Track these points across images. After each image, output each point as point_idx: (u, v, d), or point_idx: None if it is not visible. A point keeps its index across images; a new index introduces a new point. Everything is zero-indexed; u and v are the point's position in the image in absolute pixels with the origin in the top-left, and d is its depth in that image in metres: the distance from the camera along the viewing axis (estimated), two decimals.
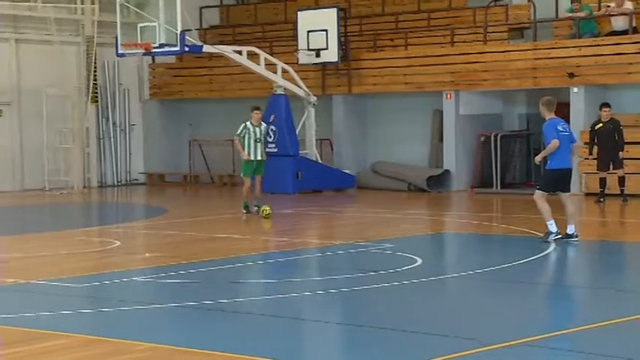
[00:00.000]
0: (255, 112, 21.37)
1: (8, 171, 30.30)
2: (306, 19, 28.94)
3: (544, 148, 16.35)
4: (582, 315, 11.24)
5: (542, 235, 16.16)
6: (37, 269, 15.10)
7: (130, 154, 32.97)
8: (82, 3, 31.46)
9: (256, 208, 21.38)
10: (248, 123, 21.20)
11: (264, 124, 21.52)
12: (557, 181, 15.98)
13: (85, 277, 14.28)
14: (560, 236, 15.87)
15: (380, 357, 9.00)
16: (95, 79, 31.64)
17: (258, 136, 21.02)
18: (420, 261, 14.88)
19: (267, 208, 20.86)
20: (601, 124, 22.80)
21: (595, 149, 22.93)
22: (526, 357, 9.03)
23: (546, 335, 9.71)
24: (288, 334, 10.79)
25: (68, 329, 10.54)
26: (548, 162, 16.06)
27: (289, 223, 21.79)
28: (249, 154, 21.16)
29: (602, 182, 22.98)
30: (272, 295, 12.59)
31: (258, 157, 21.15)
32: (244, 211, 21.79)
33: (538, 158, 16.82)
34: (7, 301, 12.51)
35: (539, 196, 15.85)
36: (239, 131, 21.39)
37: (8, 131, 30.41)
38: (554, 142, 15.61)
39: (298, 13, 29.47)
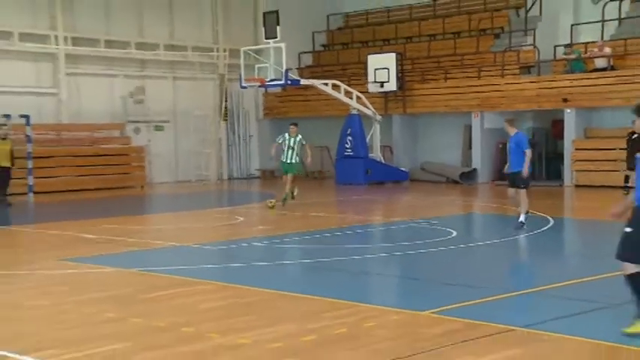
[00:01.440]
0: (292, 126, 20.24)
1: (167, 168, 30.83)
2: (374, 61, 28.99)
3: (509, 157, 15.38)
4: (577, 271, 11.19)
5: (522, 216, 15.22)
6: (187, 236, 15.42)
7: (249, 156, 33.27)
8: (217, 51, 31.78)
9: (283, 199, 20.02)
10: (286, 134, 20.12)
11: (299, 136, 20.09)
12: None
13: (219, 242, 14.60)
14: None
15: (428, 301, 9.11)
16: (225, 104, 31.95)
17: (291, 144, 19.85)
18: (455, 233, 14.93)
19: (273, 201, 19.77)
20: (637, 134, 22.25)
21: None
22: (538, 302, 9.07)
23: (552, 285, 9.72)
24: (364, 284, 10.93)
25: (208, 278, 10.85)
26: (518, 165, 15.05)
27: (362, 205, 21.88)
28: (283, 157, 20.01)
29: (627, 178, 22.36)
30: (352, 256, 12.71)
31: (289, 161, 19.93)
32: (270, 202, 20.04)
33: (526, 172, 15.16)
34: (167, 258, 12.81)
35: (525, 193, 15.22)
36: (278, 139, 20.42)
37: (167, 140, 30.90)
38: (530, 152, 15.05)
39: (368, 56, 29.53)
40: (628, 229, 7.38)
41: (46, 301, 9.62)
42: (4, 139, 21.79)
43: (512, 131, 15.46)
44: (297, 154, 20.04)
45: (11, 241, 16.06)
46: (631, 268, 7.29)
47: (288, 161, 20.01)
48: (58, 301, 9.60)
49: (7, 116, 24.28)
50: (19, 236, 16.74)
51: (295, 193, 20.19)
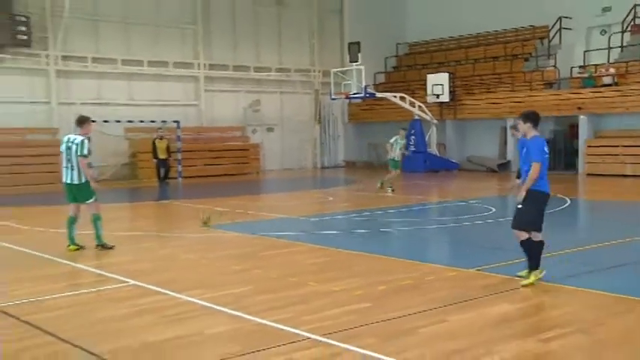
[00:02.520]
0: (402, 131, 19.22)
1: (277, 159, 31.09)
2: (432, 78, 28.76)
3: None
4: (588, 240, 10.87)
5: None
6: (291, 210, 15.55)
7: (337, 151, 33.28)
8: (313, 72, 31.93)
9: (386, 186, 18.87)
10: (398, 137, 18.94)
11: (405, 140, 19.31)
12: None
13: (315, 214, 14.68)
14: None
15: (473, 261, 9.00)
16: (319, 112, 32.07)
17: (400, 146, 18.71)
18: (494, 209, 14.67)
19: (208, 217, 12.87)
20: None
21: None
22: (558, 263, 8.85)
23: (569, 250, 9.49)
24: (424, 247, 10.87)
25: (307, 241, 10.93)
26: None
27: (421, 189, 21.66)
28: (393, 155, 18.62)
29: None
30: (414, 227, 12.65)
31: (397, 158, 18.71)
32: (389, 189, 18.78)
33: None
34: (277, 226, 12.90)
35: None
36: (391, 140, 18.84)
37: (276, 139, 31.19)
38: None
39: (427, 75, 29.25)
40: (520, 206, 7.58)
41: (192, 255, 9.89)
42: (161, 138, 22.41)
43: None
44: (402, 154, 19.03)
45: (168, 212, 16.54)
46: (522, 235, 7.57)
47: (397, 159, 18.72)
48: (200, 256, 9.86)
49: (164, 122, 24.99)
50: (173, 208, 17.21)
51: (386, 186, 18.94)
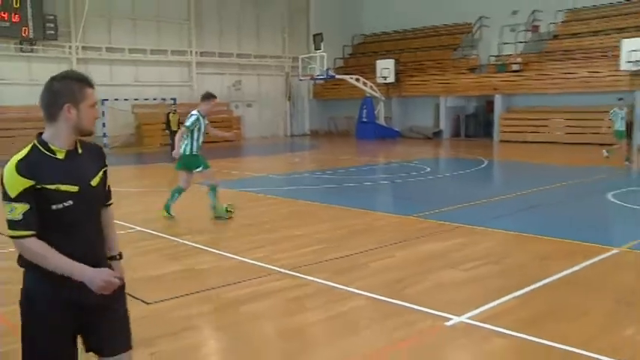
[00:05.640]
0: (620, 101, 14.81)
1: (255, 128, 30.56)
2: (381, 63, 28.38)
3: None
4: (498, 192, 10.98)
5: None
6: (265, 169, 15.32)
7: (303, 121, 32.92)
8: (284, 58, 31.37)
9: (627, 161, 14.52)
10: (616, 109, 14.57)
11: (625, 108, 14.74)
12: None
13: (284, 173, 14.52)
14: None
15: (412, 210, 8.99)
16: (289, 90, 31.63)
17: (622, 116, 14.54)
18: (428, 169, 14.74)
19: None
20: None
21: None
22: (476, 210, 8.92)
23: (486, 200, 9.57)
24: (373, 199, 10.82)
25: (277, 195, 10.82)
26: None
27: (371, 152, 21.62)
28: (618, 127, 14.59)
29: None
30: (365, 182, 12.62)
31: (619, 129, 14.59)
32: (626, 162, 14.45)
33: None
34: (254, 182, 12.71)
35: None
36: (611, 112, 14.78)
37: (254, 113, 30.63)
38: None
39: (377, 61, 28.81)
40: None
41: (185, 207, 9.63)
42: (174, 112, 21.53)
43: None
44: (625, 124, 15.16)
45: (169, 173, 16.18)
46: None
47: (620, 129, 14.61)
48: (192, 207, 9.63)
49: (163, 99, 24.30)
50: (173, 170, 16.85)
51: (629, 159, 14.76)
